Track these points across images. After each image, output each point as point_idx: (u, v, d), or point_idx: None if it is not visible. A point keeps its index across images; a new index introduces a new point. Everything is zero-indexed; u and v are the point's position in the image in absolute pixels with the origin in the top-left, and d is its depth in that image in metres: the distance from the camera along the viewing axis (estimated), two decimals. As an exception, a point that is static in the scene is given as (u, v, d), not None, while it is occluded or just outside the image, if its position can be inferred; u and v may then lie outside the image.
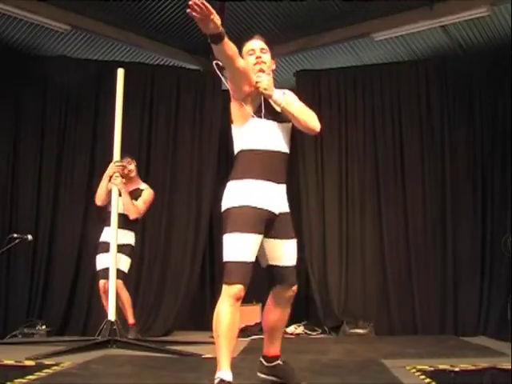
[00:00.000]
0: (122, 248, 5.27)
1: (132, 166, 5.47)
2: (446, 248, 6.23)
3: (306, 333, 6.16)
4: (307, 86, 6.80)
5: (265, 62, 3.04)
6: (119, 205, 5.14)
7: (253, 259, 2.88)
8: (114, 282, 4.93)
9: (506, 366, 3.72)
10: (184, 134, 6.72)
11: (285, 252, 3.02)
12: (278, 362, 3.17)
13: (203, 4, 2.57)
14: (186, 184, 6.64)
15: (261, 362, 3.21)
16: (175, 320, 6.32)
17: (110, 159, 5.26)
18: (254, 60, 3.04)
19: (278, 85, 7.82)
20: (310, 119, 3.04)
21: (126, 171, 5.37)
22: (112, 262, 4.97)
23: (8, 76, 6.42)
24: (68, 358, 4.06)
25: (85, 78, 6.55)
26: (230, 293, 2.80)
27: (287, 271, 3.03)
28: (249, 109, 2.97)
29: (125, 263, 5.32)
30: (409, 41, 6.62)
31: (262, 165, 2.93)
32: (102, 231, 5.37)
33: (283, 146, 3.01)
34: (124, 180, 5.27)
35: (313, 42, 6.82)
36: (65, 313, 6.18)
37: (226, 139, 7.41)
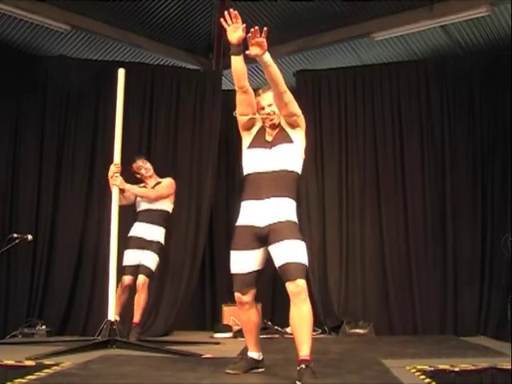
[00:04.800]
0: (148, 244, 5.31)
1: (149, 165, 5.49)
2: (446, 248, 6.23)
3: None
4: (307, 86, 6.80)
5: (274, 113, 3.49)
6: (144, 200, 5.35)
7: (246, 269, 3.40)
8: (114, 280, 4.92)
9: (506, 366, 3.72)
10: (184, 134, 6.72)
11: (281, 251, 3.30)
12: (301, 365, 3.18)
13: (235, 15, 3.21)
14: (185, 184, 6.62)
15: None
16: (175, 320, 6.32)
17: (110, 160, 5.25)
18: (265, 116, 3.50)
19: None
20: (281, 85, 3.33)
21: (147, 173, 5.43)
22: (112, 260, 4.96)
23: (8, 76, 6.41)
24: (68, 358, 4.05)
25: (85, 77, 6.55)
26: (236, 299, 3.49)
27: (286, 267, 3.27)
28: (245, 141, 3.54)
29: (151, 259, 5.29)
30: (409, 41, 6.62)
31: (249, 186, 3.45)
32: (131, 226, 5.40)
33: (272, 165, 3.39)
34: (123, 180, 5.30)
35: (313, 42, 6.82)
36: (65, 313, 6.17)
37: (226, 139, 7.44)
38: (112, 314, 4.80)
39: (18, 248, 5.65)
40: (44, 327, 5.78)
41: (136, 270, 5.26)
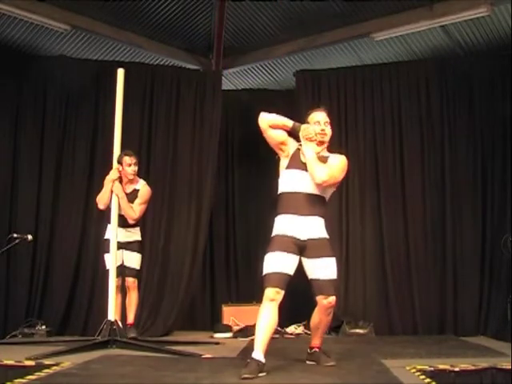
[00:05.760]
0: (130, 245, 5.33)
1: (136, 168, 5.39)
2: (446, 248, 6.23)
3: (306, 333, 6.14)
4: (307, 86, 6.80)
5: (326, 134, 3.86)
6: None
7: (284, 270, 3.60)
8: (114, 281, 4.93)
9: (506, 366, 3.72)
10: (184, 134, 6.71)
11: (318, 267, 3.70)
12: (315, 350, 3.95)
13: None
14: (186, 184, 6.63)
15: (307, 350, 4.01)
16: (175, 320, 6.32)
17: (110, 160, 5.27)
18: (319, 130, 3.82)
19: (278, 85, 7.84)
20: (312, 174, 3.73)
21: (131, 175, 5.33)
22: (112, 261, 4.97)
23: (8, 76, 6.42)
24: (68, 357, 4.05)
25: (85, 77, 6.53)
26: (265, 295, 3.57)
27: (322, 283, 3.70)
28: (283, 163, 3.86)
29: (134, 259, 5.37)
30: (409, 41, 6.62)
31: (287, 203, 3.76)
32: (105, 229, 5.38)
33: (307, 188, 3.74)
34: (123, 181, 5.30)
35: (313, 42, 6.81)
36: (65, 313, 6.17)
37: (226, 139, 7.44)
38: (112, 314, 4.80)
39: (17, 248, 5.65)
40: (44, 327, 5.79)
41: (120, 270, 5.24)
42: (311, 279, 3.73)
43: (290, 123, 3.84)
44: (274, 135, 3.83)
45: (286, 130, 3.86)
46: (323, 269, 3.70)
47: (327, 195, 3.86)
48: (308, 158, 3.77)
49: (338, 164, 3.86)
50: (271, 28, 6.73)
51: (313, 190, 3.76)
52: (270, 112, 3.88)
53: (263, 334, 3.50)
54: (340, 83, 6.79)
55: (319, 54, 7.06)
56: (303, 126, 3.84)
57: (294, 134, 3.88)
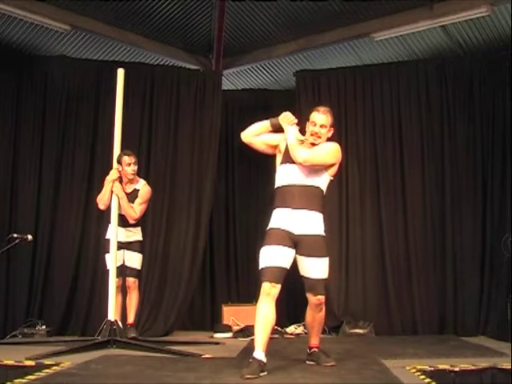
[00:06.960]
0: (131, 245, 5.34)
1: (135, 168, 5.38)
2: (446, 248, 6.23)
3: (305, 333, 6.11)
4: (307, 86, 6.80)
5: (320, 137, 3.80)
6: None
7: (280, 264, 3.59)
8: (114, 281, 4.93)
9: (506, 366, 3.72)
10: (184, 134, 6.71)
11: (309, 266, 3.70)
12: (314, 349, 3.93)
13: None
14: (186, 184, 6.63)
15: (306, 350, 4.00)
16: (175, 320, 6.32)
17: (110, 160, 5.27)
18: (311, 131, 3.80)
19: (278, 85, 7.86)
20: (294, 155, 3.73)
21: (130, 175, 5.33)
22: (112, 261, 4.98)
23: (8, 76, 6.42)
24: (68, 357, 4.06)
25: (85, 77, 6.55)
26: (262, 290, 3.57)
27: (311, 282, 3.71)
28: (278, 158, 3.88)
29: (136, 260, 5.39)
30: (409, 41, 6.62)
31: (282, 196, 3.76)
32: (106, 229, 5.38)
33: (301, 180, 3.72)
34: (124, 181, 5.30)
35: (313, 42, 6.82)
36: (65, 313, 6.18)
37: (226, 139, 7.44)
38: (112, 314, 4.81)
39: (17, 248, 5.65)
40: (44, 327, 5.79)
41: (121, 270, 5.25)
42: (302, 276, 3.75)
43: (268, 122, 3.87)
44: (264, 142, 3.89)
45: (271, 131, 3.87)
46: (314, 268, 3.69)
47: (323, 185, 3.81)
48: (289, 142, 3.75)
49: (325, 147, 3.81)
50: (271, 28, 6.73)
51: (307, 181, 3.73)
52: (268, 112, 3.89)
53: (262, 331, 3.50)
54: (340, 83, 6.79)
55: (319, 54, 7.07)
56: (280, 117, 3.83)
57: (278, 129, 3.86)
